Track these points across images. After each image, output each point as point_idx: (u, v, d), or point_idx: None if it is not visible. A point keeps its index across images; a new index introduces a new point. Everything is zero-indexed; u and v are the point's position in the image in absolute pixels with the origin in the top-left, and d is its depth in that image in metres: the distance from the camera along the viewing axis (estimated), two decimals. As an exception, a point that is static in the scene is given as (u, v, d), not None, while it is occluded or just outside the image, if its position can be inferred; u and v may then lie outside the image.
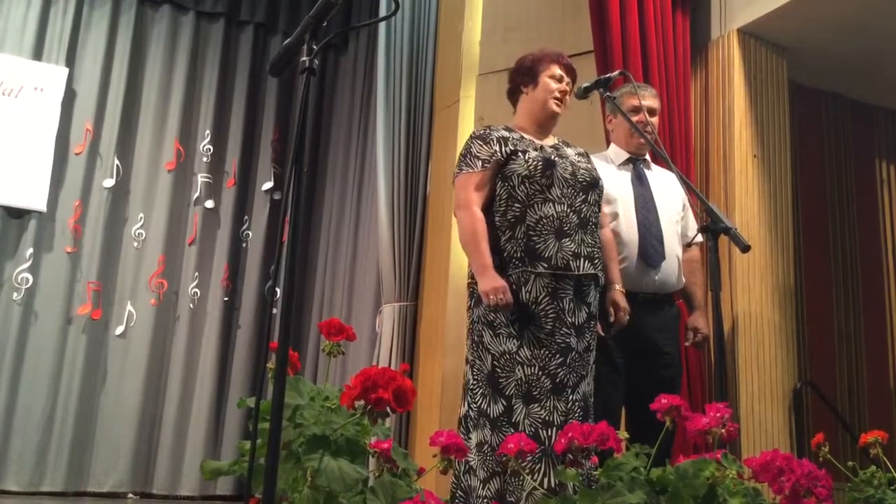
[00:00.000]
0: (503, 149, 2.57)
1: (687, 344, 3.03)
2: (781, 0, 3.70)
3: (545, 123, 2.71)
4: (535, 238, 2.48)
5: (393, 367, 3.98)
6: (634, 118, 2.91)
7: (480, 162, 2.56)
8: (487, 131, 2.64)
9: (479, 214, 2.52)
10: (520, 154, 2.56)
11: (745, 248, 2.43)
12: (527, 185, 2.52)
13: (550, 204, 2.51)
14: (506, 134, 2.62)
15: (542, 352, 2.41)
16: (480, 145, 2.59)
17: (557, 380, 2.41)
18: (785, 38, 4.00)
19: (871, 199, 4.88)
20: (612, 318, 2.65)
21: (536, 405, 2.37)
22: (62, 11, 5.33)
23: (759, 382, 3.59)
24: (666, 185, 3.04)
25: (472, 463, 2.40)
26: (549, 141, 2.71)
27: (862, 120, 4.94)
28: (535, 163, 2.54)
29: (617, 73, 2.87)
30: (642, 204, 2.93)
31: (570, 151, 2.69)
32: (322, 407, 1.65)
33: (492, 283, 2.41)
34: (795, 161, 4.22)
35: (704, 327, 3.01)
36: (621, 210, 2.90)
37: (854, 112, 4.90)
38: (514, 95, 2.77)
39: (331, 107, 6.07)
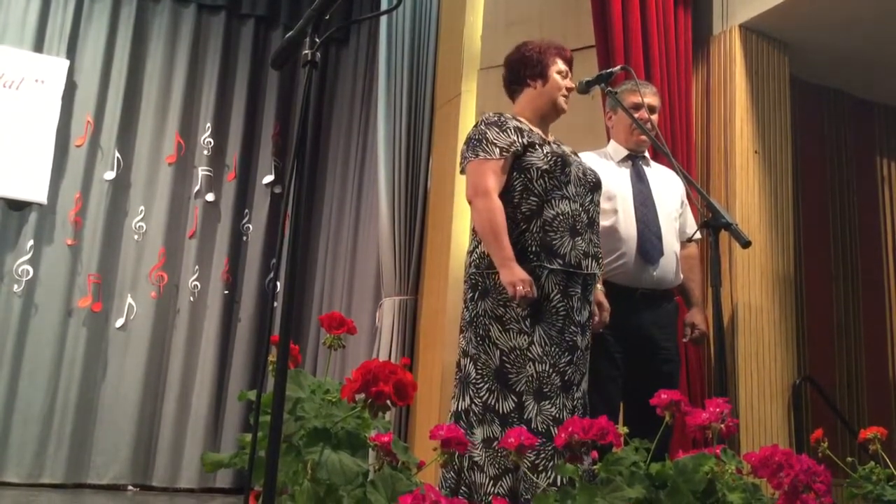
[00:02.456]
0: (521, 139, 2.52)
1: (685, 340, 3.04)
2: (783, -4, 3.70)
3: (550, 118, 2.69)
4: (551, 234, 2.45)
5: (393, 361, 3.99)
6: (635, 115, 2.91)
7: (499, 149, 2.49)
8: (502, 119, 2.57)
9: (499, 204, 2.46)
10: (537, 147, 2.52)
11: (746, 244, 2.43)
12: (545, 179, 2.49)
13: (567, 201, 2.49)
14: (519, 124, 2.57)
15: (552, 349, 2.39)
16: (498, 132, 2.52)
17: (566, 377, 2.39)
18: (786, 34, 4.00)
19: (872, 196, 4.88)
20: (596, 318, 2.63)
21: (547, 402, 2.35)
22: (63, 4, 5.33)
23: (758, 378, 3.60)
24: (665, 182, 3.04)
25: (476, 459, 2.36)
26: (550, 137, 2.70)
27: (863, 116, 4.93)
28: (553, 158, 2.51)
29: (618, 68, 2.87)
30: (641, 201, 2.94)
31: (566, 149, 2.68)
32: (323, 400, 1.65)
33: (518, 274, 2.36)
34: (796, 157, 4.22)
35: (702, 323, 3.01)
36: (620, 206, 2.90)
37: (855, 108, 4.90)
38: (516, 86, 2.71)
39: (332, 100, 6.07)
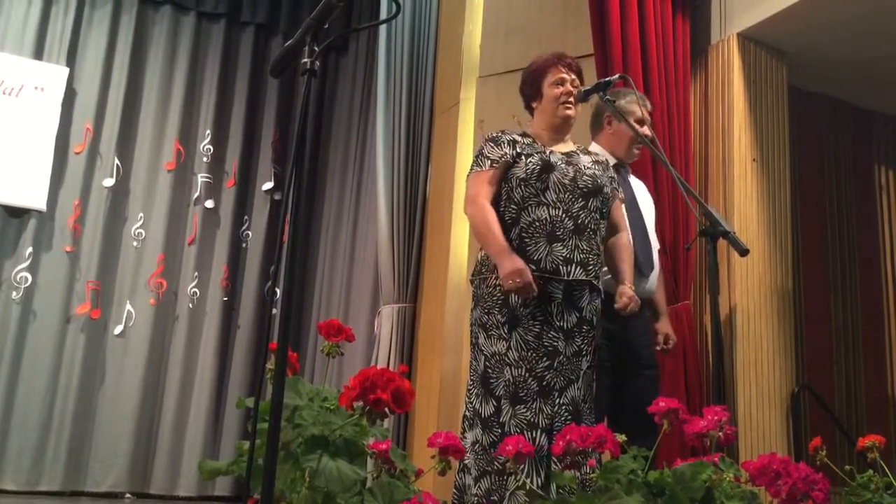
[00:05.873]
0: (512, 151, 2.62)
1: (658, 349, 3.01)
2: (781, 4, 3.71)
3: (562, 129, 2.73)
4: (526, 240, 2.53)
5: (391, 369, 3.98)
6: (639, 128, 2.93)
7: (489, 161, 2.62)
8: (500, 134, 2.69)
9: (488, 205, 2.57)
10: (524, 157, 2.60)
11: (744, 252, 2.44)
12: (523, 187, 2.57)
13: (544, 207, 2.55)
14: (517, 138, 2.67)
15: (529, 354, 2.46)
16: (492, 147, 2.66)
17: (544, 382, 2.45)
18: (785, 43, 4.01)
19: (870, 204, 4.89)
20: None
21: (522, 406, 2.43)
22: (63, 11, 5.34)
23: (756, 386, 3.60)
24: (644, 193, 3.08)
25: (466, 462, 2.47)
26: (565, 147, 2.71)
27: (861, 125, 4.94)
28: (533, 166, 2.58)
29: (617, 76, 2.87)
30: (632, 210, 2.95)
31: (584, 159, 2.69)
32: (321, 408, 1.65)
33: (511, 265, 2.43)
34: (794, 165, 4.23)
35: (673, 333, 3.03)
36: None
37: (853, 117, 4.91)
38: (529, 110, 2.81)
39: (331, 108, 6.07)
